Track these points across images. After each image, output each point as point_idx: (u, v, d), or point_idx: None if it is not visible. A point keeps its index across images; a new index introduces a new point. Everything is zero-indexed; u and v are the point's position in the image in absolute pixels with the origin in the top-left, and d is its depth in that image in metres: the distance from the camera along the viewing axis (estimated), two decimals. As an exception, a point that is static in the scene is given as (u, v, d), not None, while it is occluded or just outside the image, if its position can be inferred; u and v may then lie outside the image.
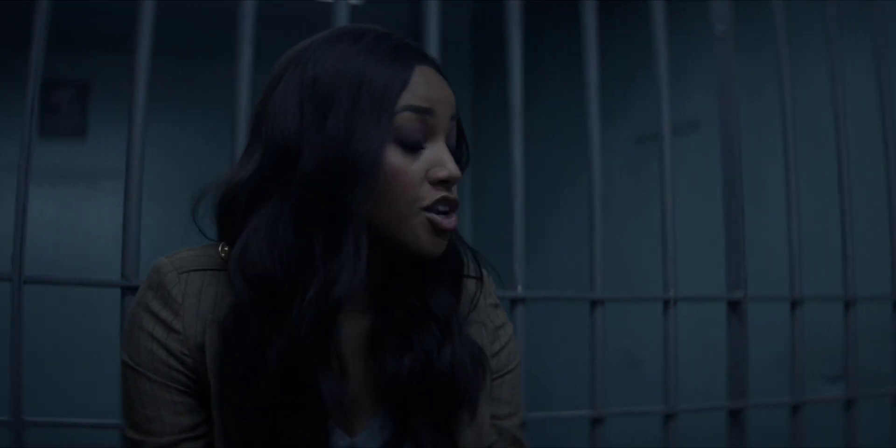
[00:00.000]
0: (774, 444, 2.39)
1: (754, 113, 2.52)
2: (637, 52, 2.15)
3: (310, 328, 1.10)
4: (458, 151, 1.23)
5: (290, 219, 1.11)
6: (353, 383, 1.20)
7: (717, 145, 2.33)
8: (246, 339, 1.11)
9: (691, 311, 2.28)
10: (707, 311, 2.45)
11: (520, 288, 1.99)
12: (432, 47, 1.94)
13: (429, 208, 1.15)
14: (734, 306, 2.27)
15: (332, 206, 1.11)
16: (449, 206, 1.17)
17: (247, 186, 1.15)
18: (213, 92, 3.39)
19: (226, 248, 1.19)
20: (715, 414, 2.26)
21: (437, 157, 1.16)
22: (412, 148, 1.14)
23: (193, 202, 1.22)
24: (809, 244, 2.39)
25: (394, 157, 1.13)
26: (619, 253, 3.26)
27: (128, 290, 1.69)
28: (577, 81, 2.16)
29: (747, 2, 2.43)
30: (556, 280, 4.34)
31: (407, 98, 1.14)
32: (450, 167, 1.16)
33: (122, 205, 1.70)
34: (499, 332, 1.35)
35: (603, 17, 2.19)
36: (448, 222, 1.16)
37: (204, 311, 1.16)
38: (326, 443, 1.16)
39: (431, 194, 1.15)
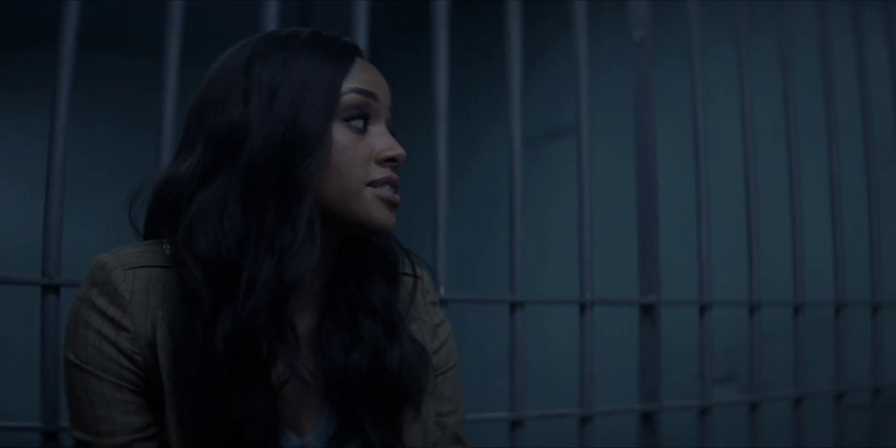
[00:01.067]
0: (685, 446, 2.47)
1: (663, 119, 2.60)
2: (528, 53, 2.19)
3: (266, 304, 1.14)
4: None
5: (238, 196, 1.16)
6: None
7: (602, 148, 2.41)
8: (199, 325, 1.13)
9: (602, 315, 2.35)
10: (617, 315, 2.52)
11: (442, 290, 2.02)
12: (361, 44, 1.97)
13: (375, 185, 1.22)
14: (647, 310, 2.35)
15: (282, 179, 1.16)
16: (393, 187, 1.24)
17: (191, 178, 1.19)
18: (133, 87, 3.36)
19: (167, 245, 1.21)
20: (629, 416, 2.34)
21: (382, 138, 1.24)
22: (357, 129, 1.22)
23: (129, 201, 1.26)
24: (718, 249, 2.49)
25: (340, 134, 1.20)
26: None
27: (49, 288, 1.66)
28: (466, 78, 2.20)
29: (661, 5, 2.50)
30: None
31: (351, 81, 1.22)
32: (397, 147, 1.24)
33: (44, 201, 1.68)
34: (438, 330, 1.41)
35: (496, 17, 2.24)
36: (396, 197, 1.24)
37: (153, 308, 1.17)
38: (278, 439, 1.18)
39: (379, 172, 1.22)
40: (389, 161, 1.24)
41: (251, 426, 1.15)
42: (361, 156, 1.21)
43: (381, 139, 1.24)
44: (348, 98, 1.21)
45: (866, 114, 2.87)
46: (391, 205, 1.23)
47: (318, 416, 1.25)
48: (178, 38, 1.80)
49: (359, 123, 1.22)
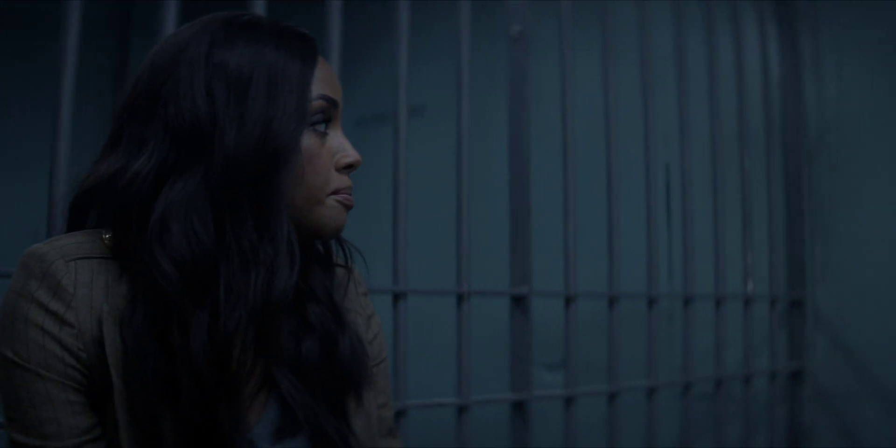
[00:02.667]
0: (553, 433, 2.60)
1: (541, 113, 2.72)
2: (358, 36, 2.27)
3: (251, 319, 1.15)
4: None
5: (209, 199, 1.15)
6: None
7: (438, 131, 2.51)
8: (172, 329, 1.12)
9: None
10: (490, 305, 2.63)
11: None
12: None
13: (336, 192, 1.25)
14: (518, 301, 2.47)
15: (259, 188, 1.16)
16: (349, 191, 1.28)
17: (149, 174, 1.16)
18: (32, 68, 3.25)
19: (107, 236, 1.19)
20: (501, 405, 2.46)
21: (341, 144, 1.26)
22: (321, 133, 1.23)
23: (73, 197, 1.23)
24: (585, 242, 2.65)
25: (308, 140, 1.21)
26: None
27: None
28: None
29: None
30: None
31: (318, 86, 1.23)
32: (354, 153, 1.27)
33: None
34: (371, 321, 1.44)
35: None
36: (352, 200, 1.27)
37: (97, 303, 1.14)
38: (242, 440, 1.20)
39: (340, 181, 1.25)
40: (348, 167, 1.26)
41: (220, 431, 1.15)
42: (325, 163, 1.23)
43: (340, 145, 1.26)
44: (316, 104, 1.22)
45: (714, 110, 3.09)
46: (348, 208, 1.27)
47: (263, 407, 1.25)
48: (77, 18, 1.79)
49: (321, 127, 1.24)
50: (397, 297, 2.20)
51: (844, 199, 3.43)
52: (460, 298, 2.33)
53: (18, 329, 1.13)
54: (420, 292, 2.33)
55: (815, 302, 3.46)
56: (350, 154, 1.26)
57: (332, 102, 1.24)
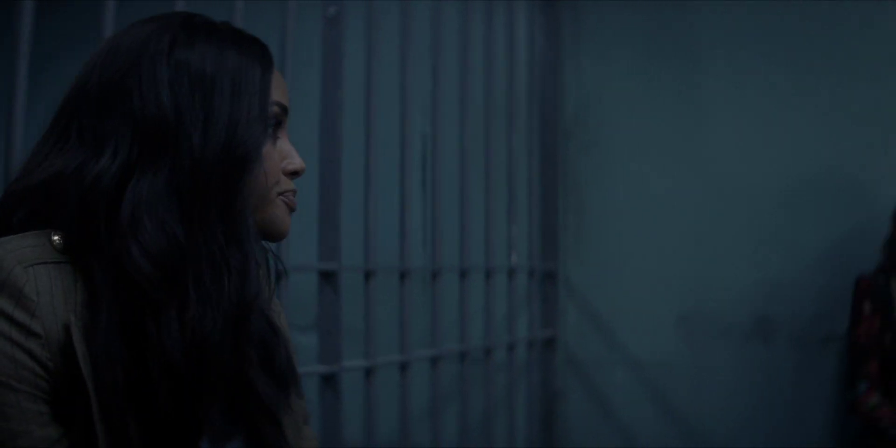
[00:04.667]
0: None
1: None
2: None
3: (225, 322, 1.17)
4: None
5: (175, 200, 1.16)
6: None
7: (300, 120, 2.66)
8: (138, 331, 1.13)
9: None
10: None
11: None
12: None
13: (282, 194, 1.29)
14: (328, 277, 2.63)
15: (224, 194, 1.18)
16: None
17: (117, 172, 1.16)
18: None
19: (56, 238, 1.17)
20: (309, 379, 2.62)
21: (289, 150, 1.31)
22: (274, 139, 1.28)
23: (5, 194, 1.22)
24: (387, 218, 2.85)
25: (266, 145, 1.25)
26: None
27: None
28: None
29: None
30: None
31: (277, 93, 1.28)
32: (300, 161, 1.32)
33: None
34: (281, 317, 1.46)
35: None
36: (295, 202, 1.32)
37: (60, 310, 1.13)
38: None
39: (287, 184, 1.30)
40: (294, 174, 1.31)
41: (195, 435, 1.19)
42: (276, 168, 1.27)
43: (289, 151, 1.30)
44: (272, 110, 1.26)
45: (465, 87, 3.35)
46: (291, 210, 1.31)
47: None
48: None
49: (276, 134, 1.28)
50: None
51: (597, 176, 3.81)
52: (279, 275, 2.45)
53: None
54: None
55: (566, 273, 3.82)
56: (296, 161, 1.31)
57: (284, 109, 1.29)
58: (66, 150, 1.19)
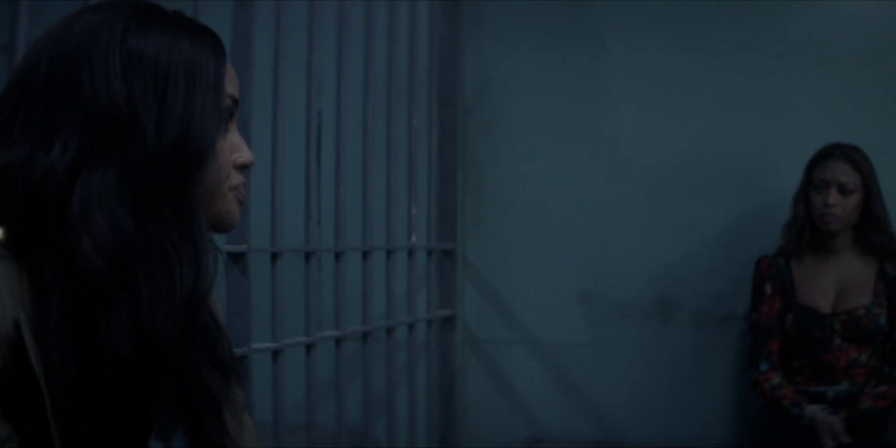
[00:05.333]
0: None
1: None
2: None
3: (177, 317, 1.17)
4: None
5: (128, 193, 1.15)
6: None
7: None
8: (88, 325, 1.12)
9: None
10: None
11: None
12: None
13: (233, 189, 1.30)
14: (236, 259, 2.65)
15: (178, 189, 1.18)
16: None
17: (68, 166, 1.15)
18: None
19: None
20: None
21: (239, 142, 1.31)
22: (226, 132, 1.27)
23: None
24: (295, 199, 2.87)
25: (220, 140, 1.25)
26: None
27: None
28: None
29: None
30: None
31: (230, 87, 1.27)
32: (250, 154, 1.32)
33: None
34: (216, 304, 1.50)
35: None
36: (245, 196, 1.33)
37: (7, 305, 1.11)
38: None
39: (237, 177, 1.30)
40: (244, 167, 1.31)
41: (146, 431, 1.21)
42: (227, 159, 1.27)
43: (239, 143, 1.30)
44: (226, 103, 1.25)
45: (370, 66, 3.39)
46: (241, 204, 1.32)
47: None
48: None
49: (228, 128, 1.28)
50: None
51: (496, 155, 3.88)
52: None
53: None
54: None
55: (465, 252, 3.89)
56: (246, 154, 1.31)
57: (235, 102, 1.29)
58: (11, 143, 1.16)
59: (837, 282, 3.38)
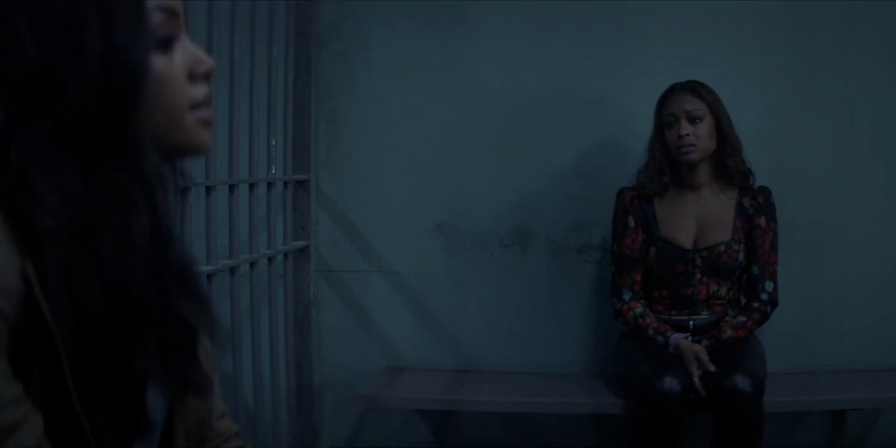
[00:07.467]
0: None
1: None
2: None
3: (146, 260, 1.17)
4: None
5: (68, 154, 1.13)
6: None
7: None
8: (73, 283, 1.12)
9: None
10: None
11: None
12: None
13: (196, 107, 1.25)
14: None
15: (115, 128, 1.15)
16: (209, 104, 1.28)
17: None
18: None
19: None
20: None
21: (192, 52, 1.25)
22: (168, 49, 1.22)
23: None
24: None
25: (156, 61, 1.19)
26: None
27: None
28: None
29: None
30: None
31: (153, 2, 1.20)
32: (209, 60, 1.27)
33: None
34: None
35: None
36: (213, 115, 1.29)
37: (15, 259, 1.10)
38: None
39: (198, 92, 1.26)
40: (206, 76, 1.26)
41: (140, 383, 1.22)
42: (178, 81, 1.22)
43: (192, 55, 1.25)
44: (155, 18, 1.19)
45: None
46: (208, 125, 1.27)
47: None
48: None
49: (168, 44, 1.22)
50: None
51: (351, 86, 3.96)
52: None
53: None
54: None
55: (318, 184, 3.98)
56: (205, 61, 1.26)
57: (172, 12, 1.22)
58: None
59: (698, 217, 3.60)
